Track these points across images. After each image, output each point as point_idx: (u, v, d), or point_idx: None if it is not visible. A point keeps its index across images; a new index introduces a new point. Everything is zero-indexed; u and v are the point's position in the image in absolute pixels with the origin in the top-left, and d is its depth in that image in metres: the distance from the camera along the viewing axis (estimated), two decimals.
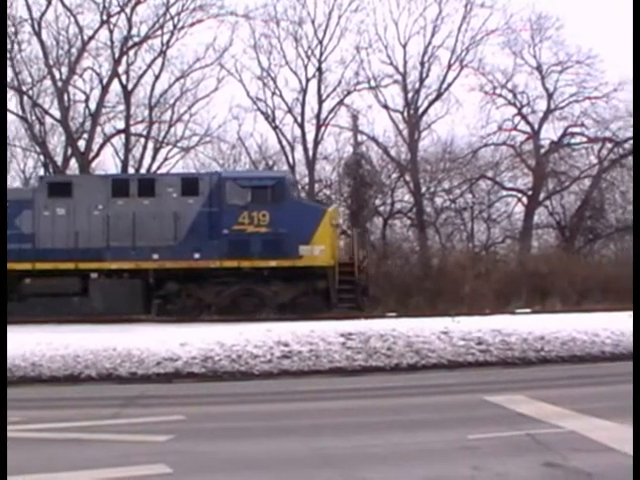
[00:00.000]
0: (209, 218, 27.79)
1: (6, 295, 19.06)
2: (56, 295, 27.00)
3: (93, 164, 45.16)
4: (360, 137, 48.74)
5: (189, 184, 28.29)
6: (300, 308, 27.30)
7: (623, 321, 22.60)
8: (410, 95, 47.62)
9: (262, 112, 47.60)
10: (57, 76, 43.80)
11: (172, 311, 27.54)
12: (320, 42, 46.42)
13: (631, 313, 24.47)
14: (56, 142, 47.06)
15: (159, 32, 44.42)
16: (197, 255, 27.62)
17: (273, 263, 27.63)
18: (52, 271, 27.26)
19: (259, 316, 26.24)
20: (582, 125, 48.71)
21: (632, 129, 39.92)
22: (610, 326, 21.53)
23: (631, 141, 47.93)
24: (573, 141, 49.66)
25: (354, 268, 28.39)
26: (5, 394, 11.34)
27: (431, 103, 47.76)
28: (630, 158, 48.37)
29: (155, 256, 27.55)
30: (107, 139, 46.21)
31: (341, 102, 47.37)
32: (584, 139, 49.21)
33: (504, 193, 49.65)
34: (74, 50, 43.82)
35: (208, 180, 28.53)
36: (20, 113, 44.52)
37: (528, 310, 28.84)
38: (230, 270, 27.79)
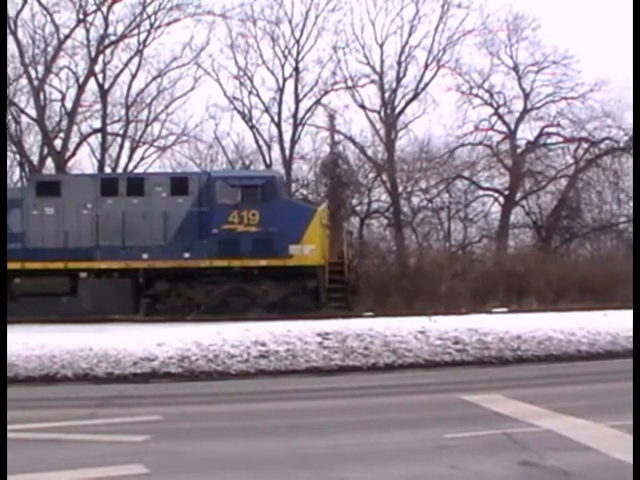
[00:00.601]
0: (199, 217, 27.73)
1: (6, 295, 18.96)
2: (45, 295, 26.88)
3: (69, 163, 44.97)
4: (337, 137, 48.82)
5: (178, 183, 28.22)
6: (289, 307, 27.27)
7: (599, 320, 22.77)
8: (387, 95, 47.69)
9: (239, 111, 47.59)
10: (33, 75, 43.61)
11: (161, 311, 27.46)
12: (297, 42, 46.45)
13: (607, 312, 24.73)
14: (32, 141, 46.81)
15: (136, 31, 44.33)
16: (187, 254, 27.55)
17: (263, 262, 27.60)
18: (41, 271, 27.12)
19: (238, 316, 26.18)
20: (558, 125, 48.93)
21: (632, 129, 40.03)
22: (586, 325, 21.63)
23: (607, 141, 48.31)
24: (549, 141, 49.88)
25: (344, 267, 28.40)
26: (5, 395, 11.28)
27: (408, 103, 47.84)
28: (605, 158, 48.69)
29: (145, 256, 27.46)
30: (83, 138, 46.01)
31: (318, 102, 47.39)
32: (560, 139, 49.43)
33: (481, 193, 49.79)
34: (50, 49, 43.67)
35: (197, 179, 28.47)
36: None
37: (505, 309, 28.96)
38: (220, 269, 27.75)
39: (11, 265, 26.66)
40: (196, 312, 27.39)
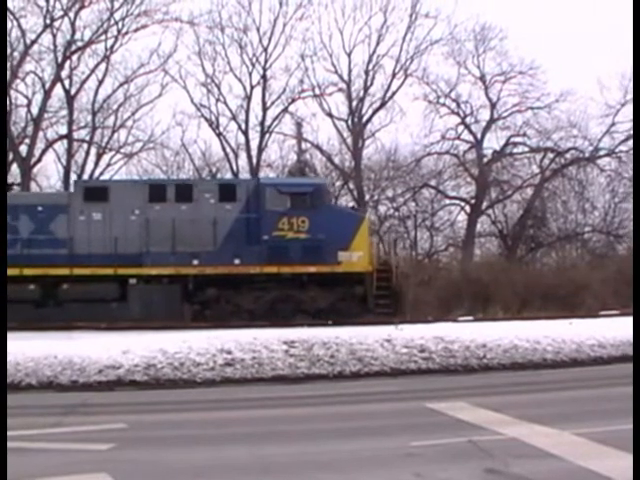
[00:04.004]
0: (247, 224, 27.59)
1: (6, 296, 18.78)
2: (94, 301, 26.64)
3: (35, 169, 44.72)
4: (304, 145, 48.92)
5: (226, 190, 28.05)
6: (336, 314, 27.22)
7: (564, 329, 22.90)
8: (354, 103, 47.82)
9: (206, 119, 47.52)
10: None
11: (210, 317, 27.33)
12: (265, 49, 46.47)
13: (572, 321, 24.90)
14: None
15: (103, 37, 44.14)
16: (237, 261, 27.38)
17: (312, 269, 27.54)
18: (90, 276, 26.85)
19: (203, 323, 26.12)
20: (524, 135, 49.26)
21: (632, 130, 40.32)
22: (551, 334, 21.76)
23: (572, 151, 48.70)
24: (515, 150, 50.21)
25: (390, 274, 28.40)
26: (5, 395, 11.18)
27: (375, 111, 48.00)
28: (571, 168, 49.07)
29: (195, 262, 27.27)
30: (49, 144, 45.73)
31: (285, 110, 47.45)
32: (526, 149, 49.78)
33: (447, 202, 50.06)
34: (16, 54, 43.32)
35: (245, 186, 28.36)
36: None
37: (470, 318, 29.05)
38: (269, 276, 27.63)
39: (58, 271, 26.50)
40: (246, 318, 27.29)
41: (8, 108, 43.63)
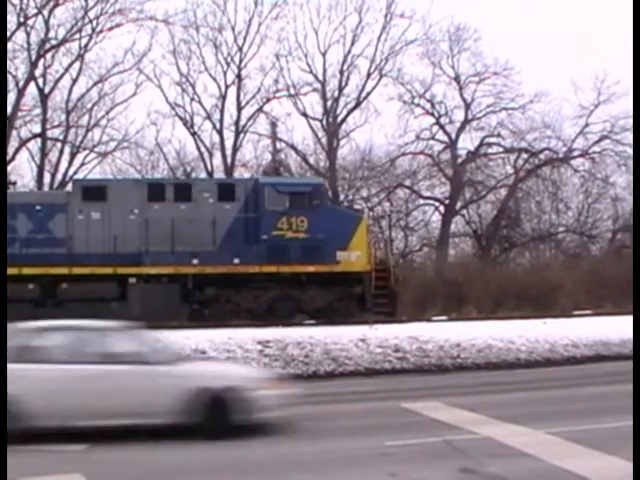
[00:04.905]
0: (245, 223, 27.49)
1: (6, 295, 18.63)
2: (93, 300, 26.47)
3: (8, 168, 44.40)
4: (279, 144, 48.75)
5: (225, 190, 27.95)
6: (335, 313, 27.22)
7: (538, 328, 23.01)
8: (329, 103, 47.77)
9: (181, 118, 47.28)
10: None
11: (209, 316, 27.25)
12: (240, 49, 46.31)
13: (546, 320, 25.01)
14: None
15: (77, 35, 43.77)
16: (236, 260, 27.31)
17: (311, 268, 27.48)
18: (89, 276, 26.69)
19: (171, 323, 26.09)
20: (499, 135, 49.34)
21: (632, 130, 40.46)
22: (525, 333, 21.87)
23: (546, 152, 48.87)
24: (490, 151, 50.29)
25: (388, 274, 28.43)
26: (5, 395, 11.09)
27: (350, 111, 47.96)
28: (545, 168, 49.25)
29: (195, 261, 27.17)
30: (23, 143, 45.40)
31: (260, 109, 47.31)
32: (500, 149, 49.86)
33: (421, 202, 50.05)
34: None
35: (243, 186, 28.25)
36: None
37: (445, 318, 29.11)
38: (268, 275, 27.58)
39: (57, 270, 26.29)
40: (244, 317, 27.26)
41: None
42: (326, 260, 27.19)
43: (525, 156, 49.15)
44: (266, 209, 27.38)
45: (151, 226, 26.83)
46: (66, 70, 44.08)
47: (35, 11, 42.73)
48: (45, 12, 42.69)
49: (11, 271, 24.10)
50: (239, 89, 46.52)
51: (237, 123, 46.63)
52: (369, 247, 28.52)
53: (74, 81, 44.52)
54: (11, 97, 43.43)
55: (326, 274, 27.28)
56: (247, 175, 45.69)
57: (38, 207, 26.82)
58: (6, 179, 34.60)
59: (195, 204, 27.42)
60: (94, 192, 27.59)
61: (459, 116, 49.00)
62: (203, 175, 45.07)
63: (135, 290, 26.90)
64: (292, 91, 47.15)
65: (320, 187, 29.19)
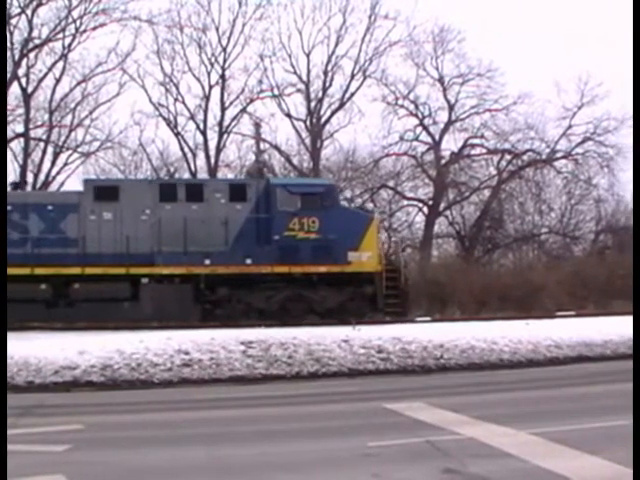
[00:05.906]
0: (257, 224, 27.53)
1: (5, 296, 18.56)
2: (106, 300, 26.40)
3: None
4: (262, 145, 48.84)
5: (237, 190, 27.99)
6: (346, 313, 27.24)
7: (521, 329, 23.07)
8: (313, 104, 47.86)
9: (164, 118, 47.29)
10: None
11: (221, 316, 27.22)
12: (224, 49, 46.37)
13: (529, 321, 25.09)
14: None
15: (61, 35, 43.78)
16: (249, 260, 27.32)
17: (323, 269, 27.56)
18: (101, 276, 26.60)
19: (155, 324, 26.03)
20: (482, 137, 49.56)
21: (632, 130, 40.57)
22: (508, 334, 21.91)
23: (529, 153, 49.08)
24: (473, 152, 50.48)
25: (398, 274, 28.47)
26: (5, 395, 11.04)
27: (334, 112, 48.07)
28: (528, 170, 49.44)
29: (207, 261, 27.15)
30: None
31: (244, 110, 47.37)
32: (484, 150, 50.07)
33: (405, 203, 50.22)
34: None
35: (255, 186, 28.31)
36: None
37: (428, 318, 29.18)
38: (280, 275, 27.59)
39: (69, 270, 26.20)
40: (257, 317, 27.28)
41: None
42: (337, 260, 27.42)
43: (508, 157, 49.40)
44: (278, 210, 27.57)
45: (163, 226, 26.93)
46: (49, 70, 44.08)
47: (18, 10, 42.76)
48: (28, 11, 42.70)
49: (23, 271, 24.32)
50: (223, 89, 46.62)
51: (221, 123, 46.69)
52: (380, 247, 28.73)
53: (57, 81, 44.51)
54: None
55: (338, 274, 27.52)
56: (230, 176, 45.72)
57: (50, 207, 26.88)
58: (6, 179, 34.47)
59: (207, 204, 27.59)
60: (106, 192, 27.69)
61: (443, 117, 49.27)
62: (187, 176, 45.03)
63: (147, 290, 27.02)
64: (276, 92, 47.32)
65: (332, 188, 29.52)
